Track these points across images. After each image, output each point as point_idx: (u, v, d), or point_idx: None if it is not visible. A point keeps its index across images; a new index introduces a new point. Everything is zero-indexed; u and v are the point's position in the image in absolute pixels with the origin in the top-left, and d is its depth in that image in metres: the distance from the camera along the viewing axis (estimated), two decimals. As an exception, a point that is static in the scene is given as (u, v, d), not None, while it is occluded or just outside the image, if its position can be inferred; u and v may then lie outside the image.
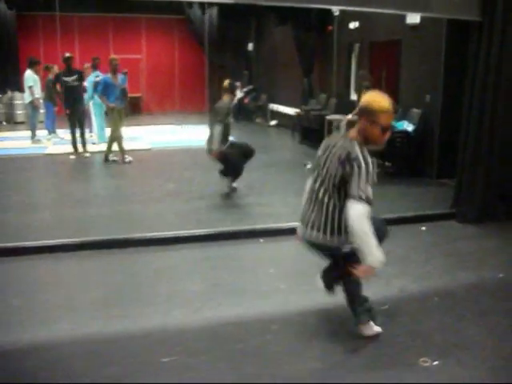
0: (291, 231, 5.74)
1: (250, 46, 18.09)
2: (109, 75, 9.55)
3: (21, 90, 15.71)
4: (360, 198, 3.05)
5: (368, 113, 3.19)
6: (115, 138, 9.46)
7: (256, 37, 17.82)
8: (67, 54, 9.88)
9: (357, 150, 3.14)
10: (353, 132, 3.28)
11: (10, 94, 17.15)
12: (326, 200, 3.27)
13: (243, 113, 16.61)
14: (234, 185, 7.44)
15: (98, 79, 10.36)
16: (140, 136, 12.42)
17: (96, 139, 11.37)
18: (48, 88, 11.90)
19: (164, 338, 3.61)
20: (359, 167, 3.08)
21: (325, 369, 3.26)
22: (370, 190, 3.09)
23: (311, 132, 11.49)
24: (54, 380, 3.09)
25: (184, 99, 19.54)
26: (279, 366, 3.29)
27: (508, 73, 6.11)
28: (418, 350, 3.41)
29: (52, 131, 12.48)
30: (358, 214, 3.05)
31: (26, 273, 4.77)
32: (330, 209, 3.25)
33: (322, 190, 3.30)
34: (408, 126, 8.65)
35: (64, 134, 11.73)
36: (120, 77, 9.67)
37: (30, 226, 5.94)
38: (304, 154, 10.42)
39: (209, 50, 18.38)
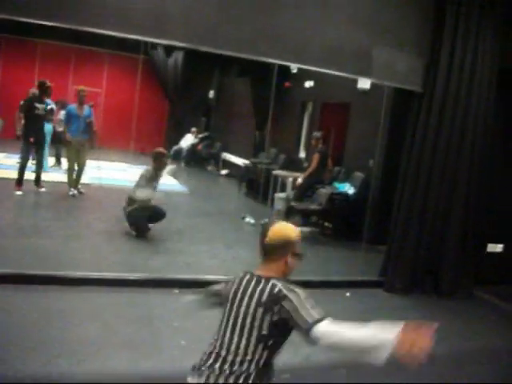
0: (210, 284, 5.56)
1: (211, 94, 18.15)
2: (74, 105, 9.31)
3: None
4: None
5: (289, 247, 2.65)
6: (70, 169, 9.26)
7: (217, 85, 17.91)
8: (48, 83, 9.44)
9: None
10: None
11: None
12: None
13: (196, 159, 16.48)
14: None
15: (49, 107, 10.12)
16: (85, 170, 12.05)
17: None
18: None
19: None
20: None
21: None
22: None
23: (258, 185, 11.38)
24: None
25: (140, 139, 19.31)
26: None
27: (443, 145, 6.16)
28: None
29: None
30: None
31: None
32: None
33: None
34: (349, 189, 8.63)
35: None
36: (86, 109, 9.41)
37: None
38: (246, 206, 10.26)
39: (170, 93, 18.41)
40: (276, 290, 2.44)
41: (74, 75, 18.92)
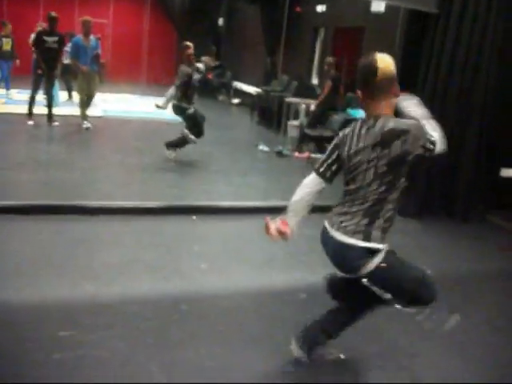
0: (227, 210, 5.68)
1: (221, 21, 17.74)
2: (80, 37, 9.16)
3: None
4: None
5: (395, 81, 2.64)
6: (82, 101, 9.23)
7: (227, 12, 17.47)
8: (53, 14, 9.25)
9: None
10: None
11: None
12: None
13: (207, 89, 16.30)
14: (174, 154, 7.43)
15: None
16: (95, 103, 12.02)
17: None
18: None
19: (68, 311, 3.43)
20: None
21: (224, 354, 3.13)
22: None
23: (270, 114, 11.31)
24: None
25: (150, 71, 19.07)
26: (178, 347, 3.15)
27: (461, 62, 6.05)
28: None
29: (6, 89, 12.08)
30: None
31: None
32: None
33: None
34: (363, 115, 8.57)
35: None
36: (92, 40, 9.27)
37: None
38: (259, 135, 10.26)
39: (178, 22, 18.00)
40: (391, 125, 2.53)
41: (80, 7, 18.51)
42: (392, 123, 2.54)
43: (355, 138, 2.64)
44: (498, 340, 3.65)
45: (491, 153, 6.52)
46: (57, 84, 10.21)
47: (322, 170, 2.77)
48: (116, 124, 10.47)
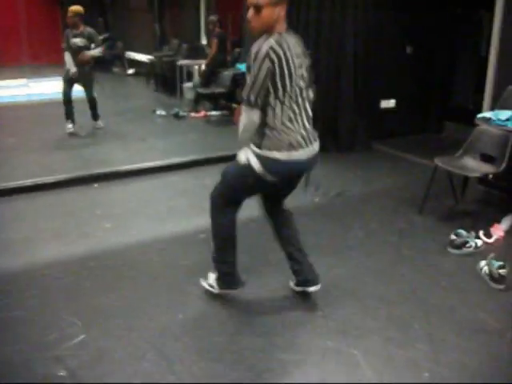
0: (127, 174, 5.92)
1: (104, -8, 17.37)
2: None
3: None
4: None
5: None
6: None
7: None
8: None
9: None
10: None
11: None
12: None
13: (100, 62, 16.04)
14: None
15: None
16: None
17: None
18: None
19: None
20: None
21: (133, 296, 3.46)
22: None
23: (165, 79, 11.43)
24: None
25: (34, 51, 18.32)
26: (89, 296, 3.44)
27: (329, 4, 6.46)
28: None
29: None
30: None
31: None
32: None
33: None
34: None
35: None
36: None
37: None
38: (156, 101, 10.40)
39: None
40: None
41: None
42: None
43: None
44: (370, 240, 4.34)
45: (368, 86, 7.06)
46: None
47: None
48: (8, 110, 10.25)
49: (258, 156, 2.91)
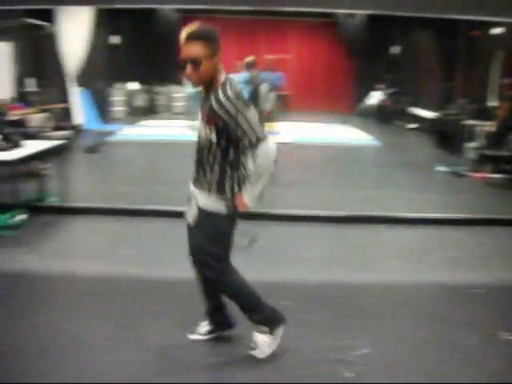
0: (402, 221, 6.39)
1: (395, 50, 18.40)
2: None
3: (179, 82, 17.44)
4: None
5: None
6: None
7: (400, 41, 18.10)
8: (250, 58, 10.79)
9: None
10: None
11: (169, 86, 19.11)
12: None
13: (384, 115, 17.03)
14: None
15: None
16: (282, 131, 13.35)
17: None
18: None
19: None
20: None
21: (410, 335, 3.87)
22: None
23: (447, 136, 11.69)
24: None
25: (328, 100, 20.25)
26: (374, 322, 3.95)
27: None
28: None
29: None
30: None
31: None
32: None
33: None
34: None
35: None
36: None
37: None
38: (436, 157, 10.71)
39: (354, 53, 19.04)
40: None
41: (265, 45, 20.47)
42: None
43: None
44: None
45: None
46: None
47: None
48: (304, 149, 11.64)
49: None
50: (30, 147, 6.04)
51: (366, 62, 18.60)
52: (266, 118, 10.41)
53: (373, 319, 3.97)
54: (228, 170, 2.96)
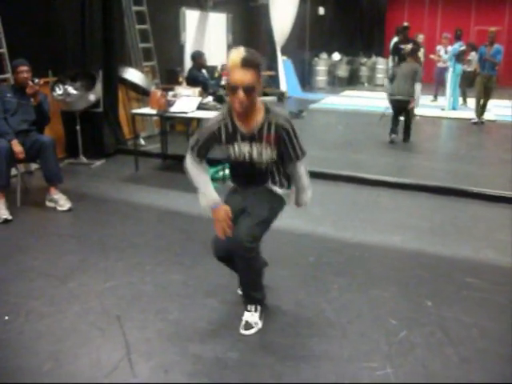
0: None
1: None
2: (484, 46, 10.59)
3: (384, 55, 17.49)
4: None
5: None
6: (478, 99, 10.75)
7: None
8: (405, 24, 11.29)
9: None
10: None
11: (374, 58, 19.18)
12: None
13: None
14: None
15: (462, 49, 11.83)
16: (489, 108, 12.68)
17: (446, 106, 12.33)
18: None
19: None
20: None
21: None
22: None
23: None
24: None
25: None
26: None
27: None
28: None
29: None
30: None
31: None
32: None
33: None
34: None
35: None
36: (494, 48, 10.46)
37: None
38: None
39: None
40: None
41: (475, 16, 19.38)
42: None
43: None
44: None
45: None
46: (456, 88, 11.66)
47: None
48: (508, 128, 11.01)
49: None
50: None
51: None
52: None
53: None
54: (284, 181, 3.21)
